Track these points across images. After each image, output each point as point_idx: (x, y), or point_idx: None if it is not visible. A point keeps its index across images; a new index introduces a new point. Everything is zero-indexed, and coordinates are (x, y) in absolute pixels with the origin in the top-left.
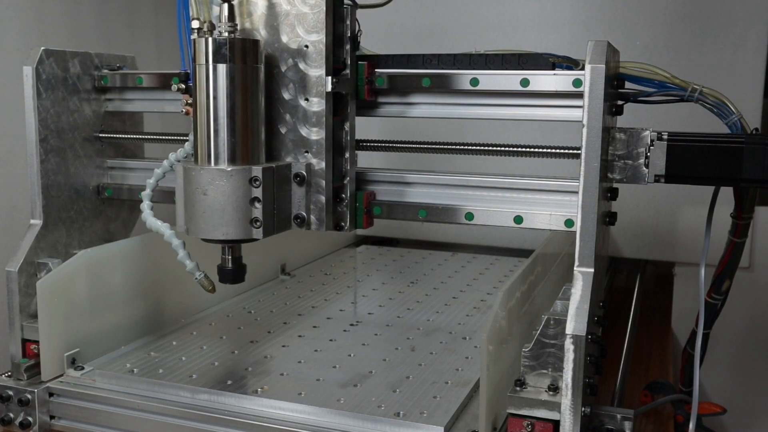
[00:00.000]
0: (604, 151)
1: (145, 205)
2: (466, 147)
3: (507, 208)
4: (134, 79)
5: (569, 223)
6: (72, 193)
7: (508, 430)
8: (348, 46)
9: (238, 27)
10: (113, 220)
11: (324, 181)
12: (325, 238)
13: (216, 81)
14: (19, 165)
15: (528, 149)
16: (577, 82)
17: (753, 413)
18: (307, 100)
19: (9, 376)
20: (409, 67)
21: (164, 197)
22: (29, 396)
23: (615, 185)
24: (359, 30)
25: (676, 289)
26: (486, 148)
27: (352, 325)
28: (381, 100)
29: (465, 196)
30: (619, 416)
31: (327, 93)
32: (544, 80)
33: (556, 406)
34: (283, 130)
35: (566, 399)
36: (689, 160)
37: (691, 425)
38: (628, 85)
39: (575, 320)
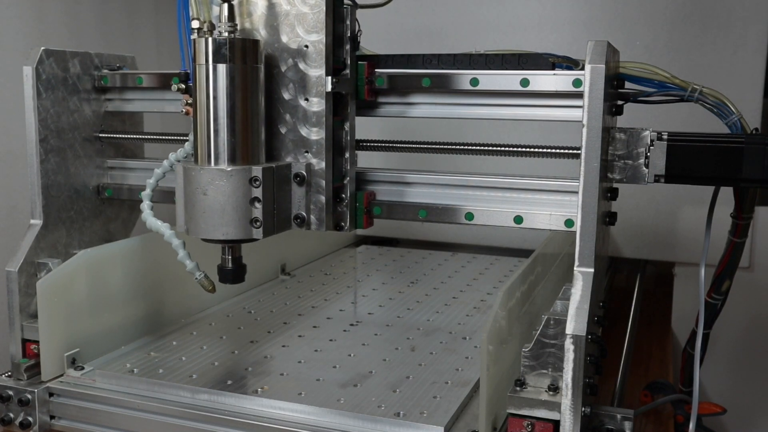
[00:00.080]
0: (604, 151)
1: (145, 205)
2: (466, 147)
3: (507, 208)
4: (134, 79)
5: (569, 223)
6: (72, 193)
7: (508, 430)
8: (348, 46)
9: (238, 27)
10: (113, 220)
11: (324, 181)
12: (325, 238)
13: (216, 81)
14: (19, 165)
15: (528, 149)
16: (577, 82)
17: (753, 413)
18: (307, 100)
19: (9, 376)
20: (409, 67)
21: (164, 197)
22: (29, 396)
23: (615, 185)
24: (359, 30)
25: (676, 289)
26: (486, 148)
27: (352, 325)
28: (381, 100)
29: (465, 196)
30: (619, 416)
31: (327, 93)
32: (544, 80)
33: (556, 406)
34: (283, 130)
35: (566, 399)
36: (689, 160)
37: (691, 425)
38: (628, 85)
39: (575, 320)
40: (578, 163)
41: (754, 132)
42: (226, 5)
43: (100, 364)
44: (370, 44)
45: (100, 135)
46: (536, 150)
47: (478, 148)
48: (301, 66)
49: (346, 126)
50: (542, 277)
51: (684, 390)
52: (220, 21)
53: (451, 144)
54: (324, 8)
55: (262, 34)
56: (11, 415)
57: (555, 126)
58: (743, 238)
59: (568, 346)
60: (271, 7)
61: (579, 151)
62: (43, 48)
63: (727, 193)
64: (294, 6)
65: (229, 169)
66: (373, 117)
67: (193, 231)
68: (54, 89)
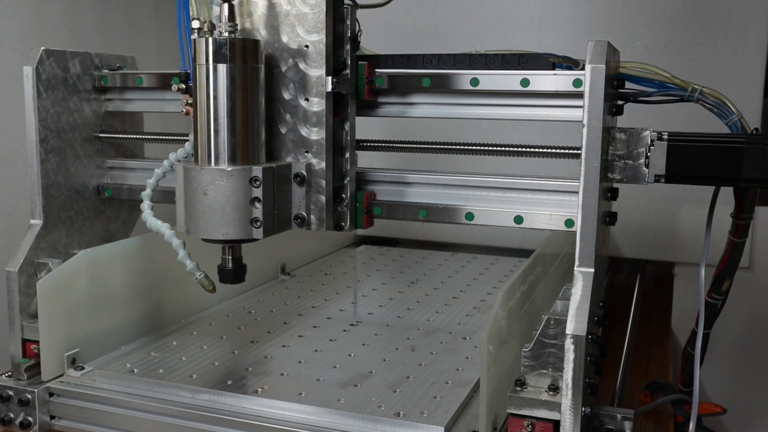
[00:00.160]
0: (604, 151)
1: (145, 205)
2: (466, 147)
3: (507, 208)
4: (134, 79)
5: (569, 223)
6: (72, 193)
7: (508, 430)
8: (348, 46)
9: (239, 27)
10: (113, 220)
11: (324, 181)
12: (325, 238)
13: (216, 81)
14: (19, 165)
15: (528, 149)
16: (577, 82)
17: (753, 413)
18: (307, 100)
19: (9, 376)
20: (409, 67)
21: (164, 197)
22: (29, 396)
23: (615, 185)
24: (359, 30)
25: (676, 289)
26: (486, 148)
27: (352, 325)
28: (381, 100)
29: (465, 196)
30: (619, 416)
31: (327, 93)
32: (544, 80)
33: (556, 406)
34: (283, 130)
35: (566, 399)
36: (689, 160)
37: (691, 425)
38: (628, 85)
39: (575, 320)
40: (578, 163)
41: (754, 132)
42: (226, 5)
43: (100, 364)
44: (370, 44)
45: (100, 135)
46: (536, 150)
47: (478, 148)
48: (302, 66)
49: (347, 126)
50: (542, 277)
51: (684, 390)
52: (220, 21)
53: (451, 144)
54: (324, 8)
55: (262, 34)
56: (11, 415)
57: (555, 126)
58: (743, 238)
59: (569, 346)
60: (271, 7)
61: (579, 151)
62: (43, 48)
63: (727, 193)
64: (294, 6)
65: (229, 169)
66: (373, 117)
67: (193, 231)
68: (54, 89)
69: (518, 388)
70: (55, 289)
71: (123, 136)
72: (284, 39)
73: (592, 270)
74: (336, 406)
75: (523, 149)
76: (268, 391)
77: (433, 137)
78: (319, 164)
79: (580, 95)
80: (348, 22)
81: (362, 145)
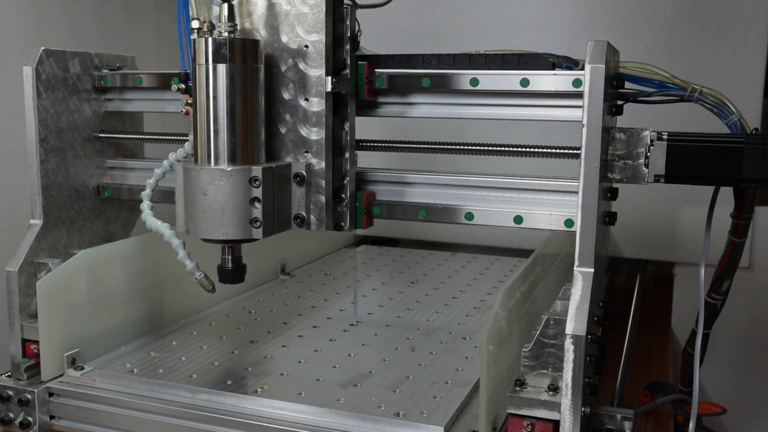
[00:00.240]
0: (604, 151)
1: (145, 205)
2: (466, 147)
3: (507, 208)
4: (134, 79)
5: (569, 223)
6: (72, 193)
7: (508, 430)
8: (348, 46)
9: (238, 27)
10: (113, 220)
11: (324, 181)
12: (325, 238)
13: (216, 81)
14: (19, 165)
15: (528, 149)
16: (577, 82)
17: (753, 413)
18: (307, 100)
19: (9, 376)
20: (409, 67)
21: (164, 197)
22: (29, 396)
23: (615, 185)
24: (359, 30)
25: (676, 289)
26: (486, 148)
27: (352, 325)
28: (381, 100)
29: (465, 196)
30: (619, 416)
31: (327, 93)
32: (544, 80)
33: (556, 406)
34: (283, 130)
35: (566, 399)
36: (689, 160)
37: (691, 425)
38: (628, 85)
39: (575, 320)
40: (578, 163)
41: (754, 132)
42: (226, 5)
43: (100, 364)
44: (370, 44)
45: (100, 135)
46: (536, 150)
47: (478, 148)
48: (301, 66)
49: (346, 126)
50: (542, 277)
51: (684, 390)
52: (220, 21)
53: (451, 144)
54: (324, 8)
55: (262, 34)
56: (11, 415)
57: (555, 126)
58: (743, 238)
59: (568, 346)
60: (271, 7)
61: (579, 151)
62: (43, 48)
63: (727, 193)
64: (294, 6)
65: (229, 169)
66: (373, 117)
67: (193, 231)
68: (54, 89)
69: (518, 388)
70: (55, 289)
71: (123, 136)
72: (284, 39)
73: (592, 270)
74: (336, 406)
75: (523, 149)
76: (268, 391)
77: (433, 137)
78: (319, 164)
79: (579, 95)
80: (348, 22)
81: (362, 145)
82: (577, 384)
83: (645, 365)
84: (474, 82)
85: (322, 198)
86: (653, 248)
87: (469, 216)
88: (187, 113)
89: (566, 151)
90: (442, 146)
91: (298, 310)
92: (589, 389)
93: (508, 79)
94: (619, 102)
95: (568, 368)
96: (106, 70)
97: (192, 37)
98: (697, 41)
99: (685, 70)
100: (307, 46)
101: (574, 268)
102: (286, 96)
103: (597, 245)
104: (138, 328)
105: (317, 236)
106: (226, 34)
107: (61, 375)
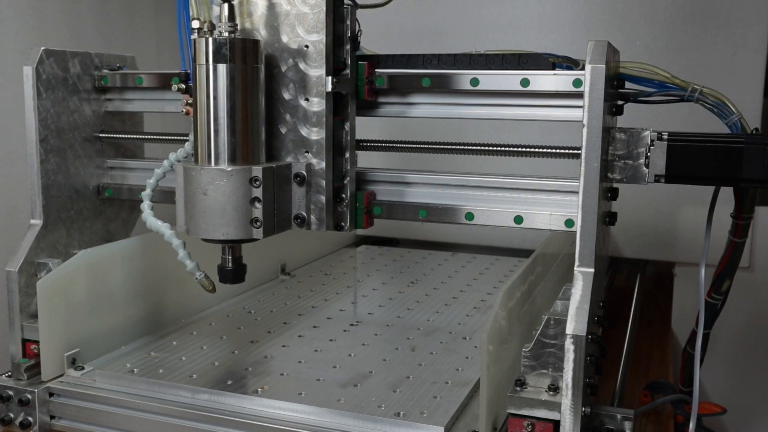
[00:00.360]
0: (604, 151)
1: (145, 205)
2: (466, 147)
3: (507, 208)
4: (134, 79)
5: (569, 223)
6: (72, 193)
7: (508, 430)
8: (348, 46)
9: (238, 27)
10: (113, 220)
11: (324, 181)
12: (325, 238)
13: (216, 81)
14: (19, 165)
15: (528, 149)
16: (577, 82)
17: (753, 413)
18: (307, 100)
19: (9, 376)
20: (409, 67)
21: (164, 197)
22: (29, 396)
23: (615, 185)
24: (359, 30)
25: (676, 289)
26: (486, 148)
27: (352, 325)
28: (381, 100)
29: (465, 196)
30: (619, 416)
31: (327, 93)
32: (544, 80)
33: (556, 406)
34: (283, 130)
35: (566, 399)
36: (689, 160)
37: (691, 425)
38: (628, 85)
39: (575, 320)
40: (578, 163)
41: (754, 132)
42: (226, 5)
43: (100, 364)
44: (370, 44)
45: (100, 135)
46: (536, 150)
47: (478, 148)
48: (302, 66)
49: (346, 126)
50: (542, 277)
51: (684, 390)
52: (220, 21)
53: (451, 144)
54: (324, 8)
55: (262, 34)
56: (11, 415)
57: (555, 126)
58: (743, 238)
59: (568, 346)
60: (271, 7)
61: (579, 151)
62: (43, 48)
63: (727, 193)
64: (294, 6)
65: (229, 169)
66: (373, 117)
67: (193, 231)
68: (54, 89)
69: (518, 388)
70: (55, 289)
71: (123, 136)
72: (284, 39)
73: (592, 270)
74: (336, 406)
75: (523, 149)
76: (268, 391)
77: (433, 137)
78: (319, 164)
79: (580, 95)
80: (348, 22)
81: (362, 145)
82: (578, 384)
83: (645, 365)
84: (474, 82)
85: (323, 198)
86: (653, 248)
87: (470, 216)
88: (187, 113)
89: (566, 151)
90: (442, 146)
91: (298, 310)
92: (589, 389)
93: (508, 79)
94: (620, 102)
95: (569, 368)
96: (106, 70)
97: (192, 37)
98: (697, 41)
99: (685, 70)
100: (307, 46)
101: (575, 268)
102: (287, 96)
103: (597, 245)
104: (138, 328)
105: (317, 236)
106: (227, 34)
107: (62, 375)
